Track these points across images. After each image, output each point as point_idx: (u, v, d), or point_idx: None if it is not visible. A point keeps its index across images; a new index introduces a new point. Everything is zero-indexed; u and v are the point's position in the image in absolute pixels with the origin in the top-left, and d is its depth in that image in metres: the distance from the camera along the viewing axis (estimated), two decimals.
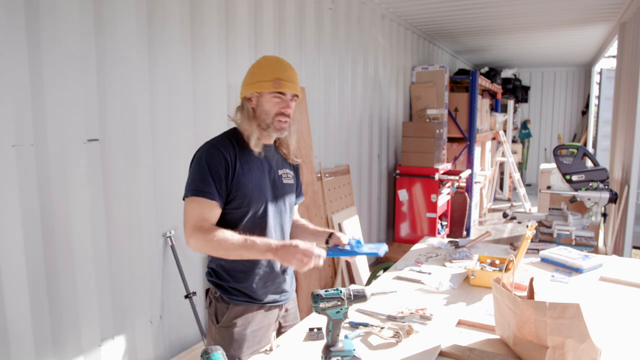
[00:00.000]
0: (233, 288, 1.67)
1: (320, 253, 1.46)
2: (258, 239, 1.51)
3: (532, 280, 1.54)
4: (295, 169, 1.83)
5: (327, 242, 1.80)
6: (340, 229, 4.20)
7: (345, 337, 1.53)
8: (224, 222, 1.61)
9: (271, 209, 1.68)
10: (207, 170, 1.55)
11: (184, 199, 1.60)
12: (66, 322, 2.13)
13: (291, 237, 1.81)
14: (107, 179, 2.27)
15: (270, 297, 1.72)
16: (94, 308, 2.24)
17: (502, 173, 9.24)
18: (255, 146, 1.62)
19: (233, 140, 1.64)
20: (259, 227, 1.65)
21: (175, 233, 2.65)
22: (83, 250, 2.18)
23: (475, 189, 6.81)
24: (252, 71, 1.65)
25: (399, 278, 2.19)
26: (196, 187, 1.55)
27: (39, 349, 2.02)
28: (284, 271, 1.75)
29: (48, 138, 2.01)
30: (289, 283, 1.80)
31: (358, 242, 1.69)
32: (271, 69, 1.60)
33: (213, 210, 1.56)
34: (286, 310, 1.82)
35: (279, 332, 1.76)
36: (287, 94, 1.60)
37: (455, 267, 2.32)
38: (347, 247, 1.69)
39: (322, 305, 1.36)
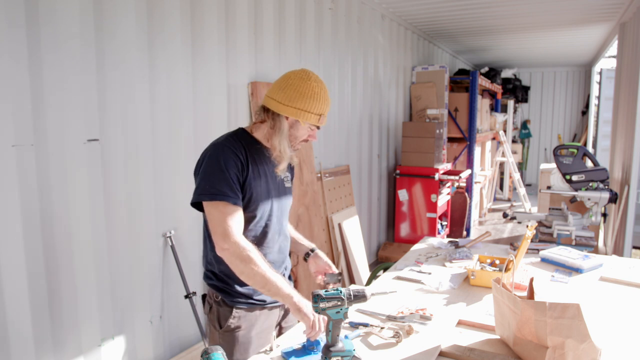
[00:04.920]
0: (236, 291, 1.64)
1: (321, 328, 1.48)
2: (281, 285, 1.50)
3: (532, 280, 1.54)
4: (292, 169, 1.84)
5: (306, 258, 1.83)
6: (340, 229, 4.20)
7: (345, 337, 1.53)
8: None
9: (275, 213, 1.66)
10: (227, 172, 1.49)
11: (193, 203, 1.55)
12: (66, 322, 2.13)
13: None
14: (107, 179, 2.27)
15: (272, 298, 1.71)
16: (94, 308, 2.25)
17: (502, 173, 9.24)
18: (282, 170, 1.63)
19: (242, 141, 1.60)
20: (263, 231, 1.64)
21: (175, 233, 2.65)
22: (83, 250, 2.18)
23: (475, 189, 6.81)
24: (300, 91, 1.54)
25: (399, 278, 2.19)
26: (219, 191, 1.48)
27: (39, 349, 2.02)
28: (282, 273, 1.74)
29: (48, 138, 2.01)
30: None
31: (317, 343, 1.49)
32: (320, 102, 1.56)
33: (239, 215, 1.52)
34: (286, 311, 1.81)
35: (279, 333, 1.76)
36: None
37: (455, 267, 2.32)
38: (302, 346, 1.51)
39: (322, 305, 1.36)
